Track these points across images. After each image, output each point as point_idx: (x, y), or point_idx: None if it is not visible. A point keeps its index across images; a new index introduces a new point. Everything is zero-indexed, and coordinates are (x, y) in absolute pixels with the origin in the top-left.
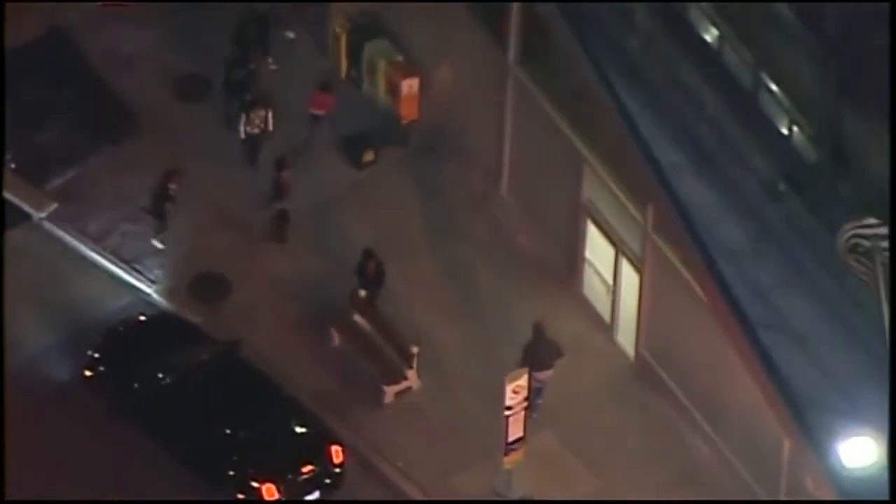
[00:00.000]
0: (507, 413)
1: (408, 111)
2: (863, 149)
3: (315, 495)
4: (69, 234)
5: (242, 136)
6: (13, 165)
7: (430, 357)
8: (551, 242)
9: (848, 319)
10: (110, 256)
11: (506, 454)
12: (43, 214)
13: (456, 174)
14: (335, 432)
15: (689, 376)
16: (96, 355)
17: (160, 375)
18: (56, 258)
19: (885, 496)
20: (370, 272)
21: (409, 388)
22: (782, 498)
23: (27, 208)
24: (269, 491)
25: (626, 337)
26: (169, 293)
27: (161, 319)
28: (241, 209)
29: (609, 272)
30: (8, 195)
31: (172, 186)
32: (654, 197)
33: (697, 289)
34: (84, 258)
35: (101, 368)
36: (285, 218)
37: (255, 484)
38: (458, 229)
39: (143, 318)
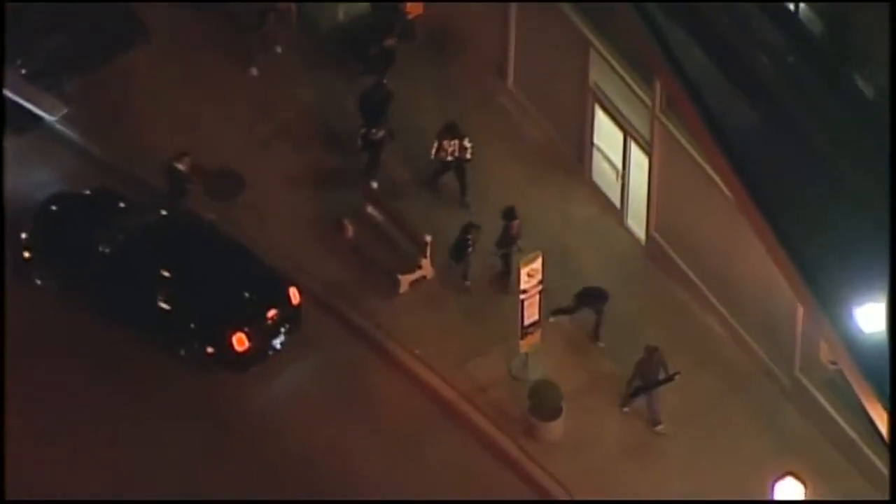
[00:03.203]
0: (522, 297)
1: (413, 6)
2: (868, 24)
3: (280, 339)
4: (80, 137)
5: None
6: (24, 71)
7: (443, 246)
8: (559, 129)
9: (860, 192)
10: (120, 158)
11: (522, 338)
12: (55, 117)
13: (462, 67)
14: (288, 274)
15: (701, 257)
16: (29, 237)
17: (102, 244)
18: (68, 160)
19: None
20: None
21: (423, 278)
22: (797, 373)
23: (39, 111)
24: (240, 340)
25: (636, 221)
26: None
27: (95, 193)
28: (253, 109)
29: (618, 156)
30: (18, 99)
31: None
32: (662, 74)
33: (707, 168)
34: (95, 160)
35: (39, 248)
36: (509, 264)
37: (224, 336)
38: (467, 121)
39: (73, 194)
